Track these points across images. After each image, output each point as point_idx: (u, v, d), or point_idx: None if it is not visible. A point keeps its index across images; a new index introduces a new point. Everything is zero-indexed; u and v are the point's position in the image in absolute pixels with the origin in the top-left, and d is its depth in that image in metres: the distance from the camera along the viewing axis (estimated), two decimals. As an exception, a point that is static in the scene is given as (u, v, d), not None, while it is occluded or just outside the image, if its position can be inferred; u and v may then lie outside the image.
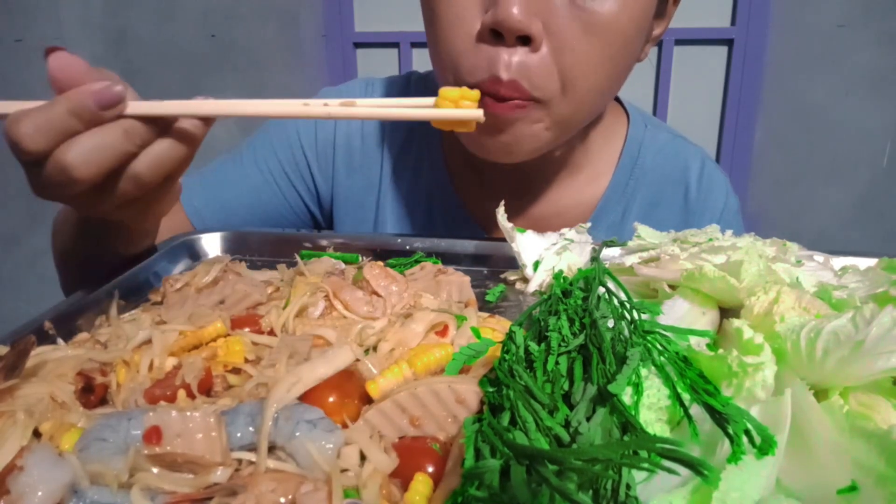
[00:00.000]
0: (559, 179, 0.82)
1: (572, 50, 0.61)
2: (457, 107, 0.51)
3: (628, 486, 0.29)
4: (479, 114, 0.51)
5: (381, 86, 0.90)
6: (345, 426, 0.36)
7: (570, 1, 0.59)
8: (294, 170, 0.87)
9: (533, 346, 0.39)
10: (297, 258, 0.60)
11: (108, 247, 0.61)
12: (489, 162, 0.79)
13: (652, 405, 0.35)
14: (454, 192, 0.84)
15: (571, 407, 0.34)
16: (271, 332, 0.48)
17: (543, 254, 0.60)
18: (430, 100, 0.51)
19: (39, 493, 0.30)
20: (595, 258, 0.60)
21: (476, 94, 0.51)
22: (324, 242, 0.68)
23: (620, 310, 0.45)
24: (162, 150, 0.48)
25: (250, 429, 0.35)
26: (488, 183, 0.82)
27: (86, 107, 0.43)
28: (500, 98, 0.62)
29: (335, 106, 0.51)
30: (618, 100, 0.88)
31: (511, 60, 0.60)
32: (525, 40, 0.60)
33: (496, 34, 0.59)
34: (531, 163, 0.78)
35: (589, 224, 0.65)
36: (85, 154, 0.44)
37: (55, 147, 0.44)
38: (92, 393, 0.40)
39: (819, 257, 0.56)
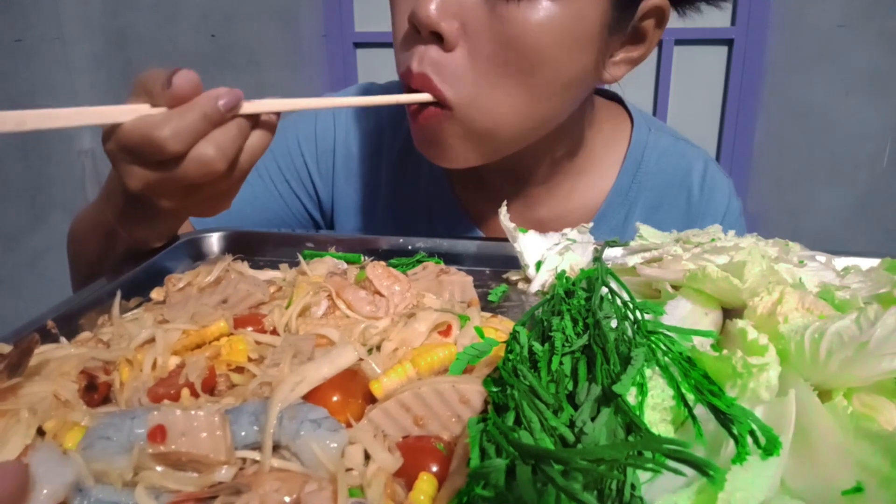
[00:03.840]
0: (561, 183, 0.82)
1: (487, 57, 0.61)
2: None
3: (633, 487, 0.29)
4: (425, 97, 0.63)
5: (380, 92, 0.90)
6: (349, 425, 0.36)
7: (489, 7, 0.59)
8: (294, 176, 0.87)
9: (537, 346, 0.39)
10: (300, 258, 0.60)
11: (143, 241, 0.65)
12: (487, 166, 0.79)
13: (656, 405, 0.35)
14: (454, 197, 0.84)
15: (576, 407, 0.34)
16: (274, 332, 0.48)
17: (546, 254, 0.60)
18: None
19: (44, 492, 0.30)
20: (597, 258, 0.60)
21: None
22: (325, 241, 0.68)
23: (624, 310, 0.45)
24: (256, 140, 0.55)
25: (254, 428, 0.35)
26: (489, 187, 0.82)
27: (216, 110, 0.50)
28: (413, 89, 0.64)
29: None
30: (622, 103, 0.88)
31: (424, 55, 0.61)
32: (439, 38, 0.61)
33: (416, 29, 0.61)
34: (531, 166, 0.78)
35: (591, 224, 0.65)
36: (222, 149, 0.51)
37: (190, 147, 0.50)
38: (95, 391, 0.40)
39: (821, 257, 0.56)
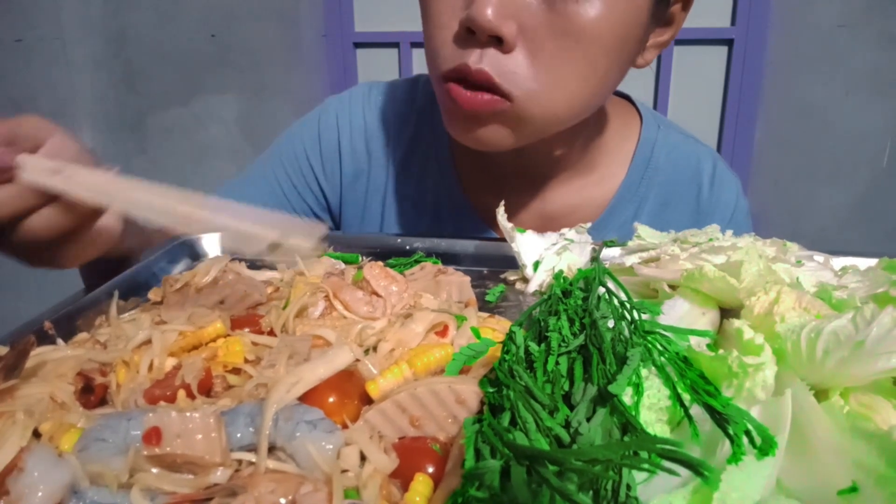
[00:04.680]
0: (571, 179, 0.82)
1: (548, 54, 0.61)
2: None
3: (629, 487, 0.29)
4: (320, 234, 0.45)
5: (384, 90, 0.90)
6: (345, 427, 0.36)
7: (547, 5, 0.59)
8: (302, 183, 0.88)
9: (533, 346, 0.39)
10: (297, 258, 0.60)
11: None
12: (498, 162, 0.79)
13: (652, 405, 0.35)
14: (462, 193, 0.85)
15: (572, 407, 0.34)
16: (271, 333, 0.48)
17: (543, 254, 0.60)
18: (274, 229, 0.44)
19: (39, 494, 0.30)
20: (595, 258, 0.60)
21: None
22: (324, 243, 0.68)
23: (620, 310, 0.45)
24: (49, 214, 0.48)
25: (250, 429, 0.35)
26: (499, 184, 0.82)
27: None
28: (469, 85, 0.62)
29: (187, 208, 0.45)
30: (630, 101, 0.88)
31: (482, 55, 0.61)
32: (498, 41, 0.60)
33: (471, 32, 0.60)
34: (543, 163, 0.78)
35: (589, 224, 0.64)
36: None
37: None
38: (92, 393, 0.40)
39: (819, 257, 0.56)
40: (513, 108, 0.63)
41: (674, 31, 0.71)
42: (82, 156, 0.52)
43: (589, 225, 0.64)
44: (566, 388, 0.36)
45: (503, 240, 0.63)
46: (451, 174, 0.85)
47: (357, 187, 0.88)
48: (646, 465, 0.28)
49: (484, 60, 0.61)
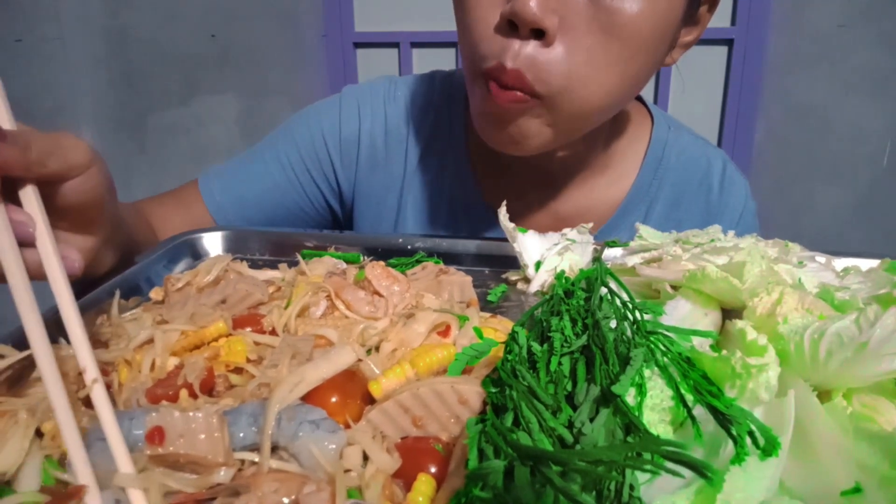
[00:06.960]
0: (585, 178, 0.82)
1: (587, 49, 0.61)
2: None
3: (632, 487, 0.29)
4: None
5: (405, 85, 0.89)
6: (347, 426, 0.36)
7: (590, 1, 0.59)
8: (316, 166, 0.87)
9: (536, 346, 0.39)
10: (299, 258, 0.60)
11: None
12: (515, 160, 0.79)
13: (655, 406, 0.35)
14: (478, 190, 0.85)
15: (575, 408, 0.34)
16: (273, 332, 0.48)
17: (545, 254, 0.60)
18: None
19: None
20: (597, 258, 0.60)
21: None
22: (325, 242, 0.68)
23: (623, 310, 0.45)
24: None
25: (253, 429, 0.35)
26: (514, 181, 0.83)
27: None
28: (503, 85, 0.62)
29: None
30: (642, 101, 0.88)
31: (520, 51, 0.60)
32: (539, 34, 0.60)
33: (512, 25, 0.60)
34: (557, 162, 0.78)
35: (591, 224, 0.64)
36: None
37: None
38: (94, 393, 0.40)
39: (821, 258, 0.56)
40: (544, 105, 0.63)
41: (699, 31, 0.72)
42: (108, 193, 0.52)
43: (591, 225, 0.64)
44: (569, 388, 0.36)
45: (505, 240, 0.63)
46: (467, 171, 0.85)
47: (372, 181, 0.88)
48: (649, 466, 0.28)
49: (521, 58, 0.60)
